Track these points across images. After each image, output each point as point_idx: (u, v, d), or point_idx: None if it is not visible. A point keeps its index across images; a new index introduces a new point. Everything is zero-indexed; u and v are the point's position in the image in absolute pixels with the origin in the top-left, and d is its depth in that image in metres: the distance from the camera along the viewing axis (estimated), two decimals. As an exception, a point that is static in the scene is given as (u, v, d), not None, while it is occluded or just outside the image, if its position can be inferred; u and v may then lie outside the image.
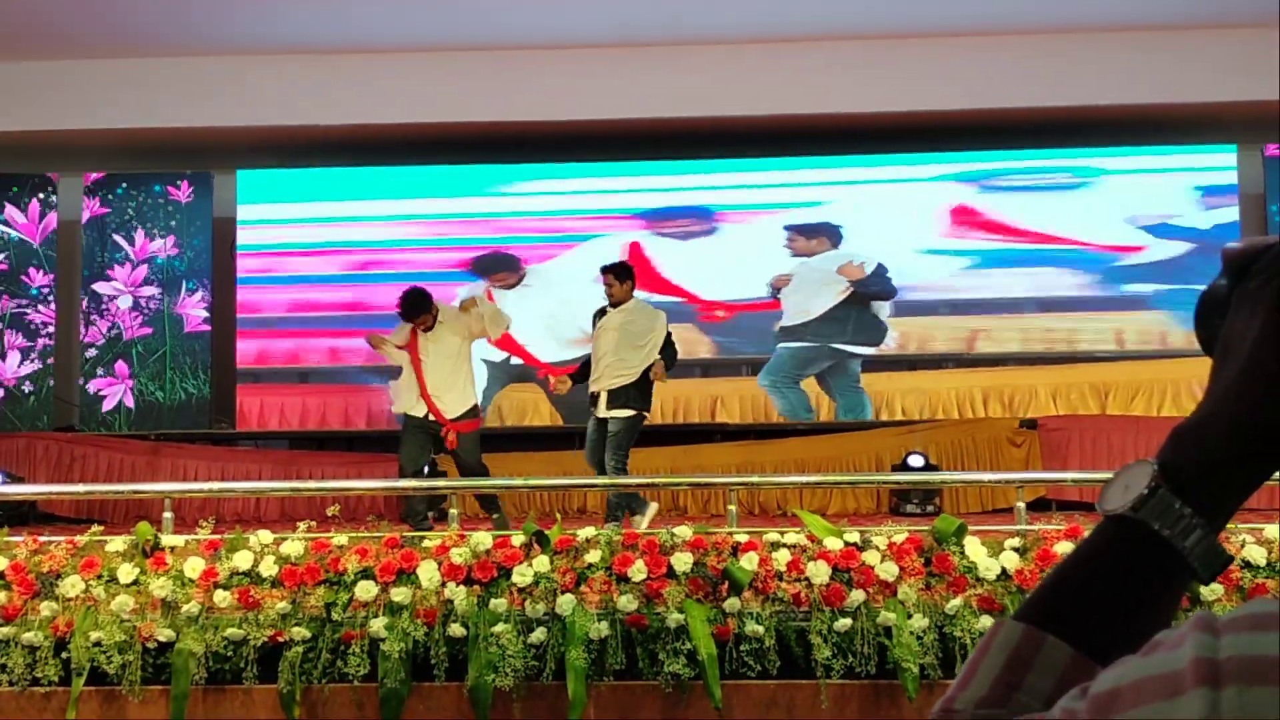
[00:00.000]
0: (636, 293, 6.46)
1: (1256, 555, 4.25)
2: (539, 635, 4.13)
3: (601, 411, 6.17)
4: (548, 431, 8.79)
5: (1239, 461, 0.61)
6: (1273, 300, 0.60)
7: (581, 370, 6.45)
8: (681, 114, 8.75)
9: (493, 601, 4.19)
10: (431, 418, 6.14)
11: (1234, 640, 0.50)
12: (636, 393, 6.20)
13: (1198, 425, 0.63)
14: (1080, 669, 0.61)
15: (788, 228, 9.29)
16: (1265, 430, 0.60)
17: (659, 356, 6.22)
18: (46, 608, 4.23)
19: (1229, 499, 0.63)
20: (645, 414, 6.28)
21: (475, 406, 6.37)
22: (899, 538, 4.41)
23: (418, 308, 6.11)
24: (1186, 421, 0.63)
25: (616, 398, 6.15)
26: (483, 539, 4.39)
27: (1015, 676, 0.61)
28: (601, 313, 6.42)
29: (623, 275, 6.35)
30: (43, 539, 4.57)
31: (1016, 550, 4.37)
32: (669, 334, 6.35)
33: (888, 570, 4.26)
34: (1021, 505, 4.97)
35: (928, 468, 7.63)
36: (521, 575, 4.25)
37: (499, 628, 4.11)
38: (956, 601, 4.18)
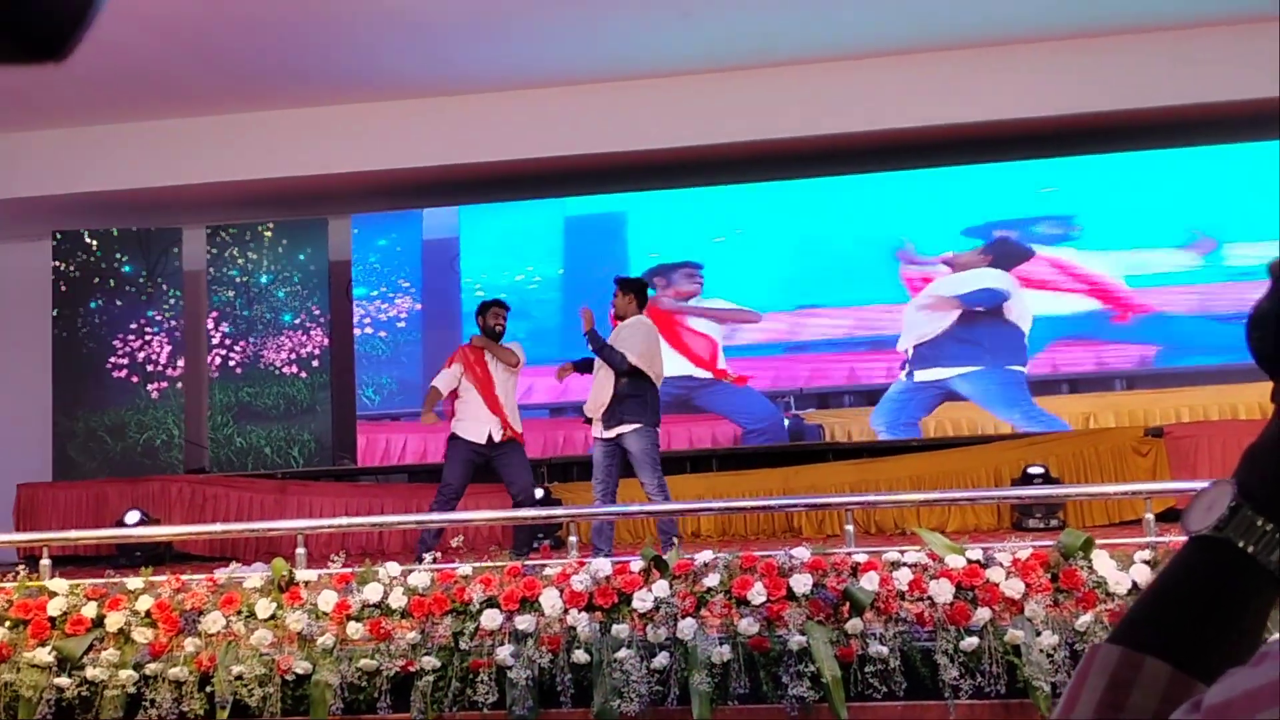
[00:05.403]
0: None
1: None
2: (662, 660, 4.16)
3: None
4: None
5: None
6: None
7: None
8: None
9: (615, 627, 4.24)
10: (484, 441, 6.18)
11: None
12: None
13: (1273, 443, 0.65)
14: (1181, 686, 0.62)
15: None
16: None
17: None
18: (190, 644, 4.43)
19: None
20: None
21: None
22: (1023, 554, 4.33)
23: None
24: (1261, 440, 0.66)
25: None
26: (602, 565, 4.44)
27: (1118, 698, 0.63)
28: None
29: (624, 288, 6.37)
30: (184, 577, 4.78)
31: (1147, 563, 4.24)
32: None
33: (1013, 587, 4.18)
34: (1150, 517, 4.82)
35: (1048, 480, 7.44)
36: (642, 600, 4.29)
37: (622, 653, 4.15)
38: (1087, 617, 4.08)
